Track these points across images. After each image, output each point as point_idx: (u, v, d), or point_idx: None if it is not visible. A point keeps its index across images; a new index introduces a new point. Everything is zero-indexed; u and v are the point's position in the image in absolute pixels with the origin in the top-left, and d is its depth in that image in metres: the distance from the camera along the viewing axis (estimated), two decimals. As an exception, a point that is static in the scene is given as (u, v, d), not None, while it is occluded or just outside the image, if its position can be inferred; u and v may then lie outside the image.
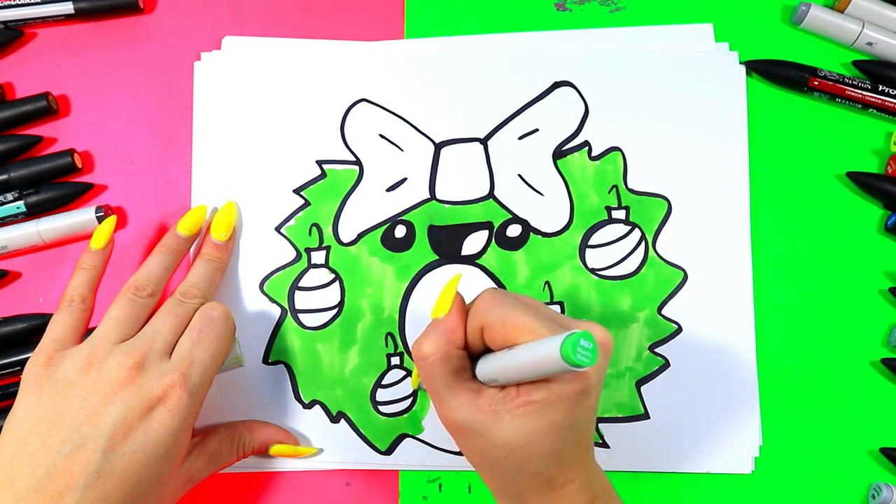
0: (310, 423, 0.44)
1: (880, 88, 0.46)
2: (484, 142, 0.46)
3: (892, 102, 0.46)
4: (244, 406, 0.44)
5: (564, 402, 0.32)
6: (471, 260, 0.45)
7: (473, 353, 0.36)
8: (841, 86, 0.46)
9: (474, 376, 0.35)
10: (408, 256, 0.45)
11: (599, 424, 0.45)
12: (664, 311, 0.45)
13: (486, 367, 0.34)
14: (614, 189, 0.46)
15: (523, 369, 0.31)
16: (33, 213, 0.44)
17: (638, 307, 0.45)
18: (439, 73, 0.46)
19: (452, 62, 0.46)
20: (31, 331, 0.44)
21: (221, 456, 0.41)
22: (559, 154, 0.46)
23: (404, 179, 0.46)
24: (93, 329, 0.39)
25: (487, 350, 0.35)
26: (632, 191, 0.46)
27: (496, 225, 0.45)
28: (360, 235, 0.45)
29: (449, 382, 0.34)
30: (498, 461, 0.34)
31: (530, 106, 0.46)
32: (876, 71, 0.47)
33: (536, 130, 0.46)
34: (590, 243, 0.46)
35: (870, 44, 0.47)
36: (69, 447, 0.34)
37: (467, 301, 0.37)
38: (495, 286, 0.34)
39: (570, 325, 0.33)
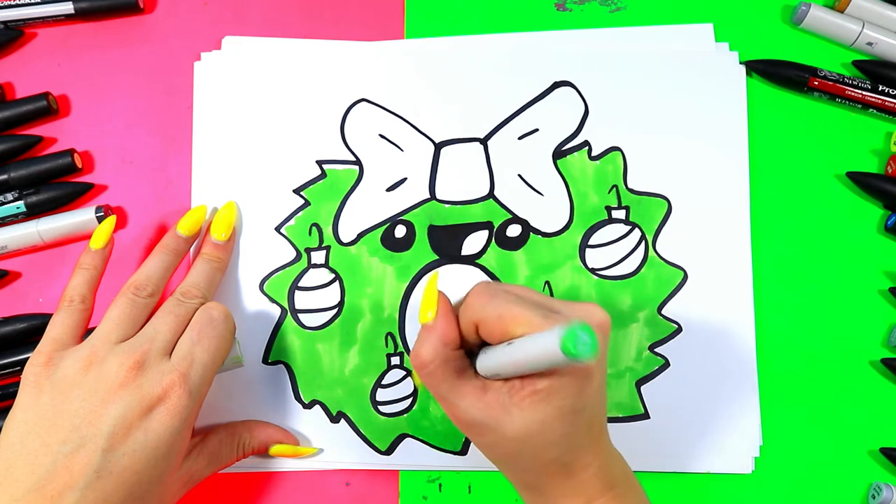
0: (310, 423, 0.44)
1: (880, 88, 0.46)
2: (484, 142, 0.46)
3: (892, 102, 0.46)
4: (244, 406, 0.44)
5: (569, 388, 0.32)
6: (471, 260, 0.45)
7: (470, 347, 0.35)
8: (841, 86, 0.46)
9: (476, 371, 0.35)
10: (408, 256, 0.45)
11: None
12: (664, 311, 0.45)
13: (487, 364, 0.34)
14: (614, 189, 0.46)
15: (525, 364, 0.31)
16: (33, 213, 0.44)
17: (638, 307, 0.45)
18: (439, 73, 0.46)
19: (452, 62, 0.46)
20: (31, 331, 0.44)
21: (221, 456, 0.41)
22: (559, 154, 0.46)
23: (404, 179, 0.46)
24: (93, 329, 0.39)
25: (485, 343, 0.35)
26: (632, 191, 0.46)
27: (496, 225, 0.45)
28: (360, 235, 0.45)
29: (453, 385, 0.34)
30: (513, 453, 0.34)
31: (530, 106, 0.46)
32: (876, 71, 0.47)
33: (536, 130, 0.46)
34: (590, 243, 0.46)
35: (870, 44, 0.47)
36: (69, 447, 0.34)
37: (455, 294, 0.36)
38: (488, 280, 0.34)
39: (562, 310, 0.33)
